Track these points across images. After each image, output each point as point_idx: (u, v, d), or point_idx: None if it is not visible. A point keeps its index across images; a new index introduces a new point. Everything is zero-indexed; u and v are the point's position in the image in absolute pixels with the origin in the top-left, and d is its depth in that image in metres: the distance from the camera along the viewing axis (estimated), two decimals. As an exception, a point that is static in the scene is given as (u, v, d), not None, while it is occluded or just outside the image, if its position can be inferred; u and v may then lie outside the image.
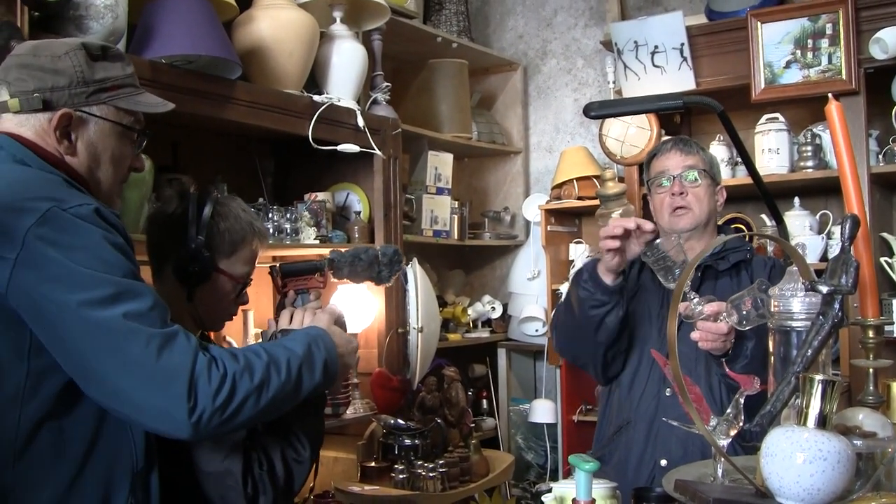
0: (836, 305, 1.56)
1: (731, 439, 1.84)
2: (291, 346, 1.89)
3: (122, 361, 1.62)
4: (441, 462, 3.17)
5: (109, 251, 1.67)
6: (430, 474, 3.09)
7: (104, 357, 1.62)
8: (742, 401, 1.84)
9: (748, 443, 1.95)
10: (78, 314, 1.61)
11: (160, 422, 1.67)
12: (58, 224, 1.64)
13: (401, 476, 3.13)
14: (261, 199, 3.47)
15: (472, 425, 3.78)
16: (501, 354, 5.18)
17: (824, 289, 1.56)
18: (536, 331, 4.99)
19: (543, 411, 4.94)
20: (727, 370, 2.28)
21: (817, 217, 4.19)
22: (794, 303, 1.69)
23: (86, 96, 1.83)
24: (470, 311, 5.02)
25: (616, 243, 2.48)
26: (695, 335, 2.35)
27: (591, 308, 2.62)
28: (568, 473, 4.41)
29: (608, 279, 2.58)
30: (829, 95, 1.89)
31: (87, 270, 1.63)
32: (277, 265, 2.30)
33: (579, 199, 4.70)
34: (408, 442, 3.28)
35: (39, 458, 1.69)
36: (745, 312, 2.08)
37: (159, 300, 1.72)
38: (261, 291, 3.45)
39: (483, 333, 5.11)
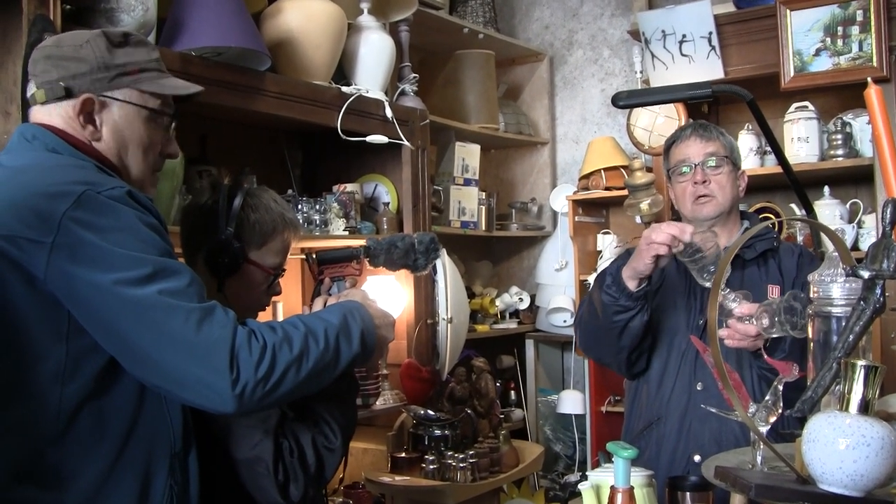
0: (878, 291, 1.54)
1: (770, 426, 1.83)
2: (327, 317, 1.89)
3: (163, 337, 1.64)
4: (471, 453, 3.16)
5: (144, 231, 1.69)
6: (461, 465, 3.08)
7: (145, 334, 1.64)
8: (781, 387, 1.83)
9: (786, 430, 1.94)
10: (116, 294, 1.62)
11: (204, 396, 1.67)
12: (92, 206, 1.65)
13: (431, 467, 3.13)
14: (290, 191, 3.48)
15: (501, 416, 3.77)
16: (529, 345, 5.18)
17: (866, 274, 1.55)
18: (564, 322, 4.98)
19: (572, 402, 4.93)
20: (766, 357, 2.26)
21: (847, 206, 4.16)
22: (835, 288, 1.67)
23: (108, 81, 1.85)
24: (498, 302, 5.02)
25: (665, 250, 2.41)
26: (722, 332, 2.31)
27: (615, 314, 2.59)
28: (597, 464, 4.41)
29: (632, 285, 2.54)
30: (868, 80, 1.86)
31: (123, 251, 1.64)
32: (314, 253, 2.30)
33: (607, 189, 4.69)
34: (438, 433, 3.27)
35: (81, 438, 1.71)
36: (776, 319, 2.06)
37: (196, 277, 1.74)
38: (289, 282, 3.46)
39: (511, 324, 5.11)
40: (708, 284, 2.37)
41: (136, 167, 1.91)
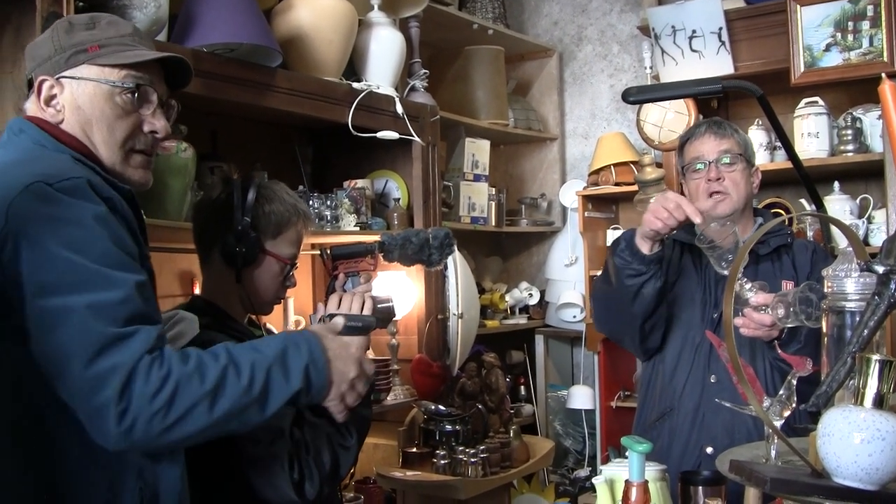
0: (893, 285, 1.54)
1: (784, 420, 1.84)
2: (262, 348, 1.74)
3: (66, 354, 1.54)
4: (482, 448, 3.17)
5: (90, 231, 1.60)
6: (472, 460, 3.09)
7: (51, 343, 1.56)
8: (794, 382, 1.83)
9: (799, 424, 1.95)
10: (37, 296, 1.56)
11: (90, 425, 1.56)
12: (39, 198, 1.59)
13: (442, 462, 3.14)
14: (301, 187, 3.48)
15: (512, 411, 3.78)
16: (539, 341, 5.18)
17: (880, 269, 1.55)
18: (574, 317, 4.99)
19: (581, 397, 4.93)
20: (779, 352, 2.27)
21: (857, 201, 4.15)
22: (849, 283, 1.67)
23: (64, 61, 1.82)
24: (507, 298, 5.02)
25: (668, 225, 2.48)
26: (738, 321, 2.33)
27: (628, 277, 2.60)
28: (606, 459, 4.42)
29: (645, 248, 2.56)
30: (882, 75, 1.87)
31: (57, 250, 1.57)
32: (328, 248, 2.30)
33: (616, 184, 4.70)
34: (449, 428, 3.28)
35: (48, 436, 1.64)
36: (791, 310, 2.07)
37: (133, 295, 1.61)
38: (300, 279, 3.46)
39: (521, 320, 5.12)
40: (725, 272, 2.39)
41: (103, 146, 1.83)
